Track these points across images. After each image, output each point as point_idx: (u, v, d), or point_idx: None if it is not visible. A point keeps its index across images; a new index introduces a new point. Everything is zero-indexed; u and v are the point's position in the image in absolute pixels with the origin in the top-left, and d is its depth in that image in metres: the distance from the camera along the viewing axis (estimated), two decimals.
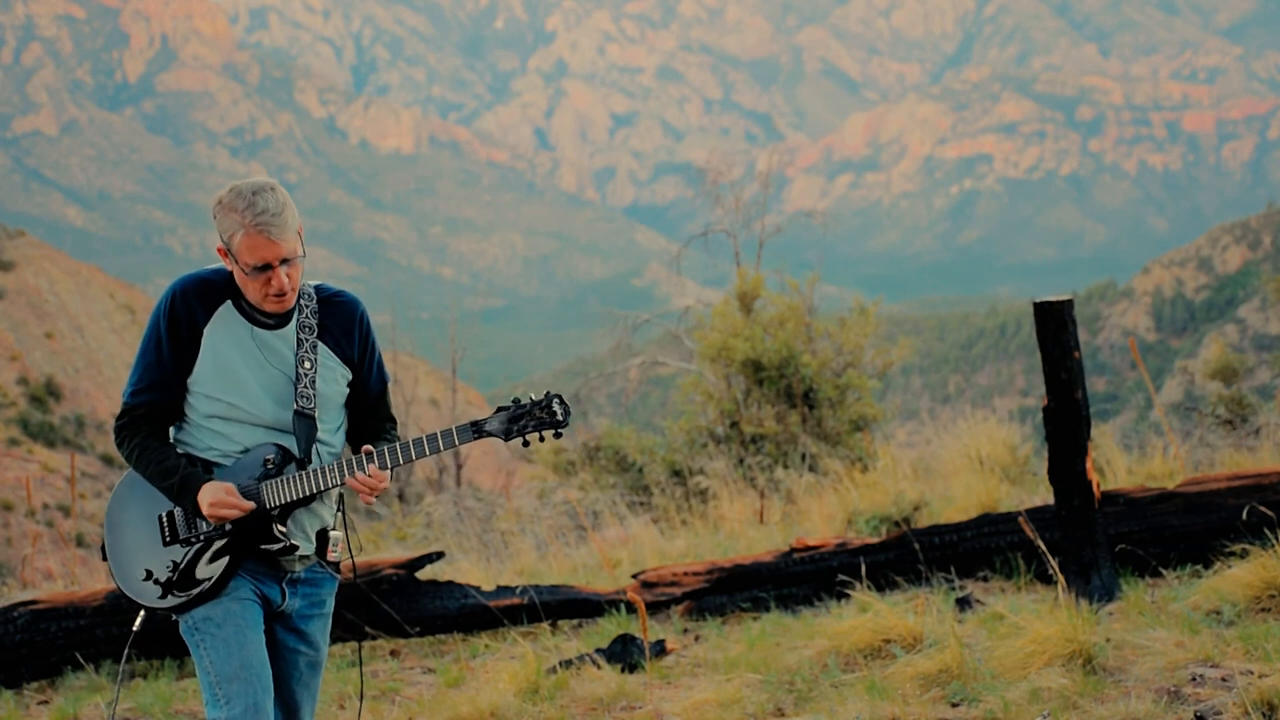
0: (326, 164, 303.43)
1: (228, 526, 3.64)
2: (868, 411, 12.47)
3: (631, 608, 7.19)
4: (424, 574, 8.43)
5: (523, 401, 3.61)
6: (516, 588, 7.27)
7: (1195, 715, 4.74)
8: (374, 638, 7.13)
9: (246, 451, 3.66)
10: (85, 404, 62.75)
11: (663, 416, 13.87)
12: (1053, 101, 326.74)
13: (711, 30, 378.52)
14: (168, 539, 3.65)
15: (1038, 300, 6.56)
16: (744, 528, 9.54)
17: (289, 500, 3.64)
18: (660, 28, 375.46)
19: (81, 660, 6.89)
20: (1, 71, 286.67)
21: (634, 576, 7.45)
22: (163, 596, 3.63)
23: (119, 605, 6.94)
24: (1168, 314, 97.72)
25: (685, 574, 7.31)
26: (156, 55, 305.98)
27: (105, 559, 3.71)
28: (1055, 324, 6.48)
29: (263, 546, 3.66)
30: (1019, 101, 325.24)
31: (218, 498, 3.59)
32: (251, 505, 3.60)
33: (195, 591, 3.62)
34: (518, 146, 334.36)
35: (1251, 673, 5.03)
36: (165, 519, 3.65)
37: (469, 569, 8.62)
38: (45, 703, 6.70)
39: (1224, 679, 5.05)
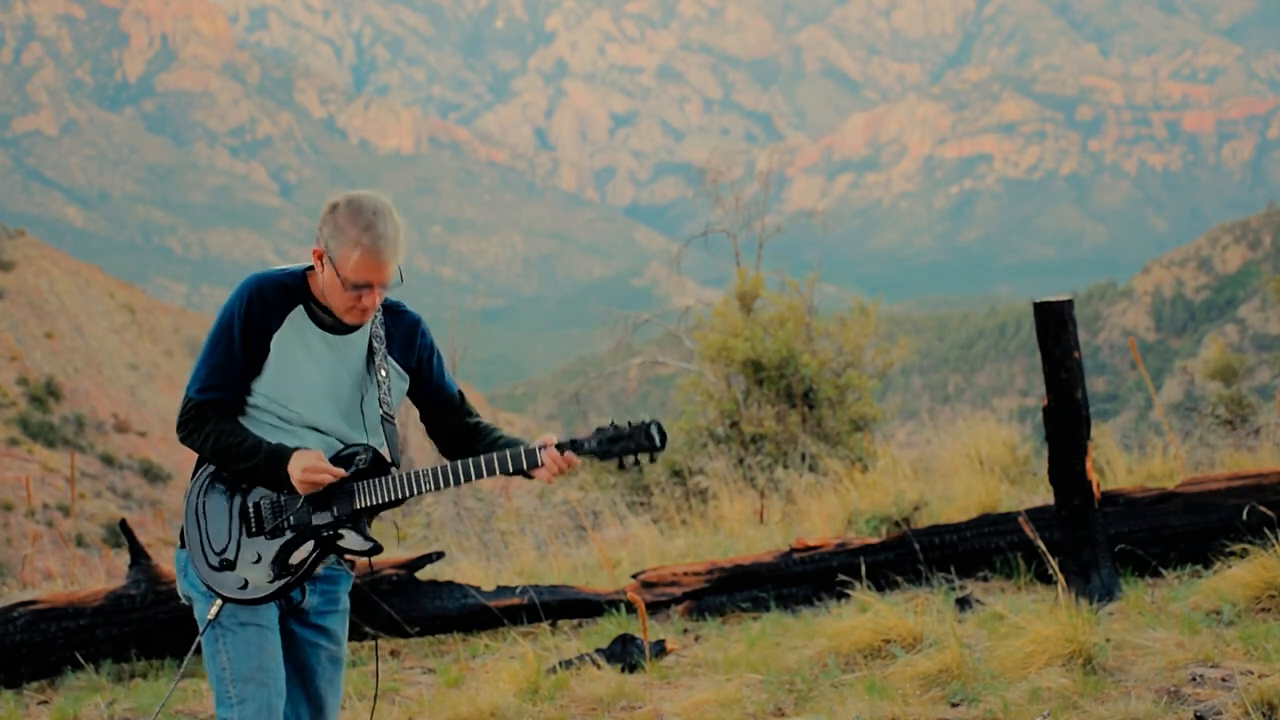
0: (326, 164, 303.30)
1: (312, 516, 3.61)
2: (868, 411, 12.47)
3: (631, 608, 7.19)
4: (424, 574, 8.43)
5: (621, 425, 3.63)
6: (516, 588, 7.27)
7: (1195, 715, 4.74)
8: (374, 637, 7.14)
9: (336, 453, 3.67)
10: (85, 404, 62.75)
11: (663, 416, 13.86)
12: (1053, 101, 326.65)
13: (711, 30, 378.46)
14: (253, 529, 3.63)
15: (1038, 300, 6.57)
16: (744, 528, 9.55)
17: (382, 501, 3.63)
18: (660, 28, 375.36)
19: (81, 660, 6.89)
20: (1, 71, 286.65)
21: (634, 576, 7.45)
22: (243, 587, 3.61)
23: (119, 605, 6.94)
24: (1168, 314, 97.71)
25: (685, 574, 7.31)
26: (156, 55, 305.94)
27: (183, 546, 3.69)
28: (1055, 324, 6.49)
29: (341, 545, 3.65)
30: (1019, 101, 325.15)
31: (309, 463, 3.56)
32: (343, 472, 3.59)
33: (284, 580, 3.61)
34: (518, 146, 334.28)
35: (1251, 673, 5.03)
36: (252, 509, 3.64)
37: (469, 569, 8.62)
38: (45, 703, 6.70)
39: (1224, 679, 5.05)
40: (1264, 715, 4.59)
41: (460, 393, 3.88)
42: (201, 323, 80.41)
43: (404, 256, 3.62)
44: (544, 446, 3.61)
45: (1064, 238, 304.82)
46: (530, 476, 3.69)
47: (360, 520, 3.66)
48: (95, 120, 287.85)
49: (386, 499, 3.63)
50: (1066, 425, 6.44)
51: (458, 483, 3.61)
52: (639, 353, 16.12)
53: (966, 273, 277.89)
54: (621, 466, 3.64)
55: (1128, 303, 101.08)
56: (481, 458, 3.61)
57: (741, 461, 11.98)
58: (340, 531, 3.64)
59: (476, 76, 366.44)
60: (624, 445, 3.60)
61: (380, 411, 3.70)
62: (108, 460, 58.00)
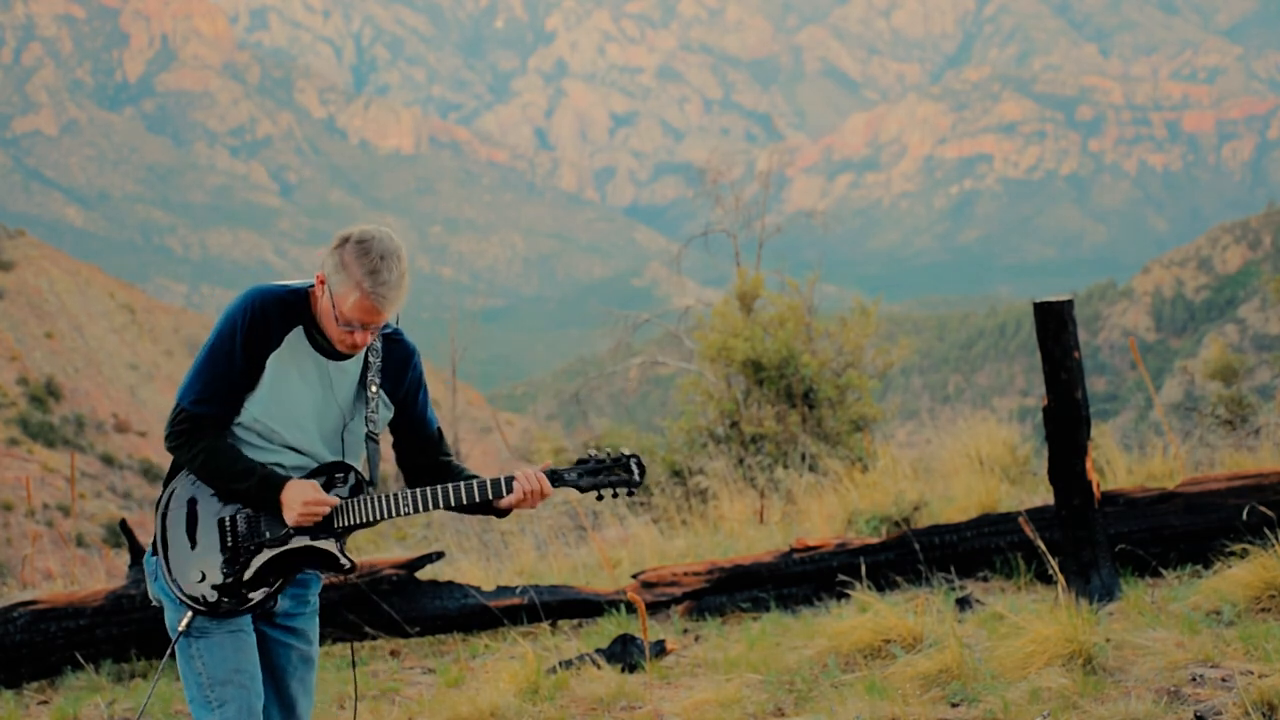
0: (326, 164, 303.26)
1: (290, 533, 3.62)
2: (868, 411, 12.47)
3: (631, 608, 7.19)
4: (424, 574, 8.43)
5: (601, 458, 3.67)
6: (516, 588, 7.27)
7: (1195, 715, 4.74)
8: (374, 638, 7.14)
9: (309, 472, 3.66)
10: (85, 404, 62.75)
11: (663, 416, 13.86)
12: (1053, 101, 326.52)
13: (711, 30, 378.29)
14: (229, 544, 3.63)
15: (1038, 300, 6.57)
16: (744, 528, 9.55)
17: (360, 522, 3.64)
18: (660, 28, 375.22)
19: (81, 660, 6.89)
20: (1, 71, 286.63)
21: (634, 576, 7.45)
22: (214, 600, 3.61)
23: (119, 605, 6.95)
24: (1168, 314, 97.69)
25: (685, 574, 7.31)
26: (156, 55, 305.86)
27: (156, 553, 3.68)
28: (1055, 324, 6.49)
29: (316, 564, 3.67)
30: (1019, 101, 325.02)
31: (310, 497, 3.56)
32: (337, 500, 3.60)
33: (251, 602, 3.62)
34: (518, 146, 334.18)
35: (1251, 673, 5.03)
36: (229, 522, 3.63)
37: (469, 569, 8.62)
38: (45, 703, 6.70)
39: (1224, 679, 5.05)
40: (1264, 715, 4.59)
41: (439, 430, 3.86)
42: (202, 322, 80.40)
43: (405, 301, 3.59)
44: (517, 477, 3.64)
45: (1064, 238, 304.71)
46: (500, 512, 3.69)
47: (337, 539, 3.66)
48: (95, 120, 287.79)
49: (365, 520, 3.63)
50: (1066, 425, 6.44)
51: (435, 507, 3.63)
52: (639, 353, 16.11)
53: (966, 273, 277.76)
54: (600, 498, 3.69)
55: (1128, 303, 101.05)
56: (461, 483, 3.64)
57: (741, 461, 11.97)
58: (313, 551, 3.65)
59: (476, 76, 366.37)
60: (604, 479, 3.65)
61: (365, 430, 3.69)
62: (108, 460, 57.99)
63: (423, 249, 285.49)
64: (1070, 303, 6.56)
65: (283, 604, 3.76)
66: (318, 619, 3.86)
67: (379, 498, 3.63)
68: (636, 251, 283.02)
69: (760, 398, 12.49)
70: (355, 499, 3.64)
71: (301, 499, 3.56)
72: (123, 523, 7.42)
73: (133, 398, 66.39)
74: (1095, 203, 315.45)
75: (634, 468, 3.65)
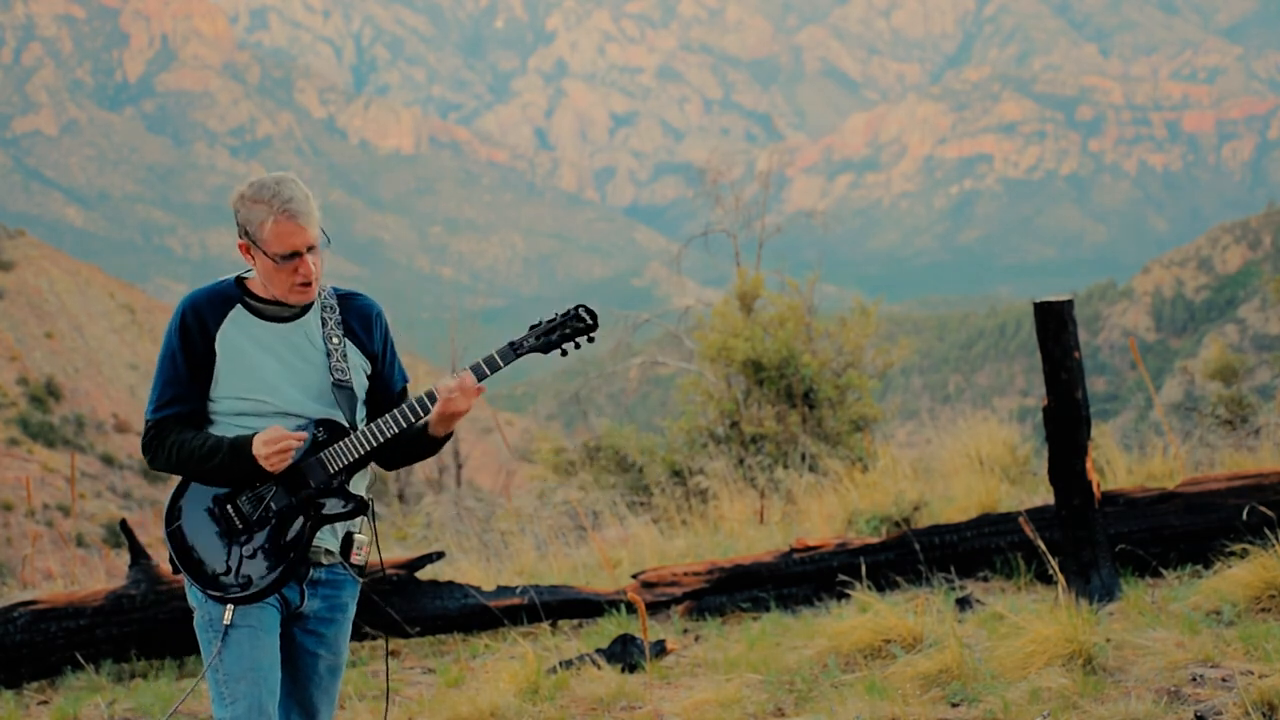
0: (326, 164, 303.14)
1: (294, 500, 3.65)
2: (868, 411, 12.47)
3: (631, 608, 7.19)
4: (424, 574, 8.43)
5: (552, 317, 3.72)
6: (517, 588, 7.28)
7: (1195, 715, 4.74)
8: (374, 638, 7.14)
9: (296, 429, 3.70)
10: (85, 404, 62.73)
11: (663, 416, 13.86)
12: (1053, 101, 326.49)
13: (711, 30, 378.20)
14: (239, 527, 3.67)
15: (1038, 300, 6.57)
16: (744, 528, 9.55)
17: (349, 461, 3.68)
18: (660, 28, 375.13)
19: (81, 660, 6.89)
20: (1, 71, 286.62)
21: (634, 576, 7.45)
22: (246, 584, 3.65)
23: (119, 605, 6.95)
24: (1168, 314, 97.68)
25: (685, 574, 7.31)
26: (156, 55, 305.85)
27: (177, 571, 3.72)
28: (1055, 324, 6.49)
29: (327, 513, 3.68)
30: (1019, 101, 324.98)
31: (271, 436, 3.60)
32: (305, 435, 3.64)
33: (284, 565, 3.64)
34: (518, 146, 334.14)
35: (1251, 673, 5.03)
36: (232, 509, 3.67)
37: (469, 569, 8.62)
38: (45, 703, 6.70)
39: (1224, 679, 5.05)
40: (1264, 715, 4.60)
41: (404, 388, 3.92)
42: None
43: (320, 219, 3.69)
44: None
45: (1064, 238, 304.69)
46: (437, 441, 3.75)
47: (336, 485, 3.69)
48: (95, 120, 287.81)
49: (353, 457, 3.68)
50: (1066, 425, 6.44)
51: (416, 418, 3.67)
52: (639, 353, 16.11)
53: (966, 273, 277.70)
54: (564, 354, 3.72)
55: (1128, 303, 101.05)
56: (405, 403, 3.70)
57: (741, 461, 11.97)
58: (321, 501, 3.68)
59: (476, 76, 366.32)
60: (560, 334, 3.70)
61: (332, 379, 3.72)
62: (108, 460, 57.98)
63: (423, 249, 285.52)
64: (1070, 303, 6.56)
65: (313, 604, 3.77)
66: (349, 628, 3.88)
67: (360, 432, 3.68)
68: (636, 251, 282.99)
69: (760, 398, 12.50)
70: (340, 442, 3.69)
71: (264, 441, 3.60)
72: (123, 523, 7.43)
73: (133, 398, 66.37)
74: (1095, 203, 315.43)
75: (585, 315, 3.69)
